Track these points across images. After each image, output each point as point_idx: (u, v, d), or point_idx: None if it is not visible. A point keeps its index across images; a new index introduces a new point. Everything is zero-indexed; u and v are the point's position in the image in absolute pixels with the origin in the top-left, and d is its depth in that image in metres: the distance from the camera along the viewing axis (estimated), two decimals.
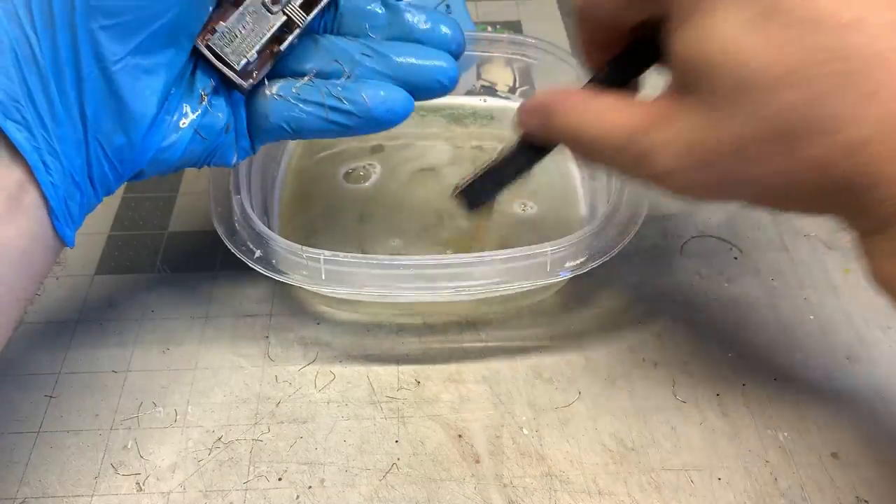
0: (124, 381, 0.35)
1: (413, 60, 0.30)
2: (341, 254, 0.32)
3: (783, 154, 0.23)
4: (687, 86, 0.24)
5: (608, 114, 0.27)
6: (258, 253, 0.33)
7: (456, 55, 0.31)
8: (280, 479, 0.31)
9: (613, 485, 0.31)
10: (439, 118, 0.47)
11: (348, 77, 0.30)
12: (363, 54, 0.30)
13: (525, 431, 0.33)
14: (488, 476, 0.31)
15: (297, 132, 0.30)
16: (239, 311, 0.38)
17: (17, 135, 0.24)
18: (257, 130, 0.31)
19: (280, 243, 0.33)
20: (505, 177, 0.31)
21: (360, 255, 0.32)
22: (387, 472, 0.32)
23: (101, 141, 0.26)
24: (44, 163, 0.25)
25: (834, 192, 0.23)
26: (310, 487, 0.31)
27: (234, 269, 0.40)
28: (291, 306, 0.38)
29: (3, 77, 0.23)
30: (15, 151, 0.24)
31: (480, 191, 0.32)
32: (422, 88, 0.30)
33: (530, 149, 0.30)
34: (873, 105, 0.21)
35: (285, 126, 0.30)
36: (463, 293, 0.33)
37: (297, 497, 0.31)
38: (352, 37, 0.31)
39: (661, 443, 0.33)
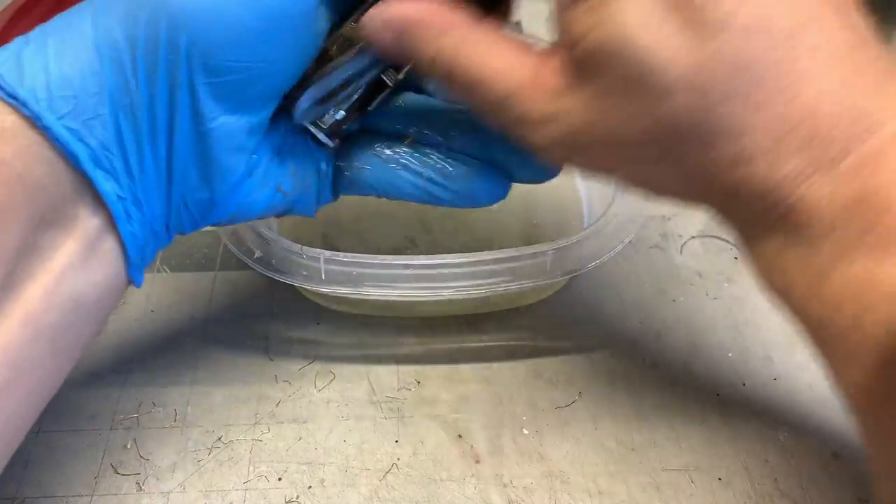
0: (124, 381, 0.35)
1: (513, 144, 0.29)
2: (341, 254, 0.32)
3: (668, 158, 0.22)
4: (581, 66, 0.23)
5: (496, 58, 0.24)
6: (258, 253, 0.33)
7: None
8: (280, 479, 0.31)
9: (613, 485, 0.31)
10: None
11: (446, 146, 0.29)
12: (462, 125, 0.28)
13: (525, 431, 0.33)
14: (488, 476, 0.31)
15: (386, 193, 0.29)
16: (239, 310, 0.38)
17: (105, 184, 0.23)
18: (347, 185, 0.30)
19: (280, 243, 0.33)
20: (344, 93, 0.27)
21: (360, 255, 0.32)
22: (387, 472, 0.32)
23: (185, 194, 0.25)
24: (127, 213, 0.24)
25: (717, 197, 0.23)
26: (310, 487, 0.31)
27: (234, 269, 0.40)
28: (291, 306, 0.38)
29: (98, 125, 0.23)
30: (98, 199, 0.24)
31: (315, 107, 0.27)
32: (519, 172, 0.29)
33: (373, 61, 0.26)
34: (762, 116, 0.21)
35: (377, 186, 0.29)
36: (463, 293, 0.33)
37: (297, 497, 0.31)
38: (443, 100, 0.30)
39: (661, 443, 0.33)
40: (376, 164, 0.29)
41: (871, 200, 0.20)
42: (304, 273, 0.33)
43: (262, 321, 0.37)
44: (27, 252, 0.23)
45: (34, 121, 0.22)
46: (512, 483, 0.31)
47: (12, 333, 0.23)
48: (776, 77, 0.21)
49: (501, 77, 0.24)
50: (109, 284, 0.25)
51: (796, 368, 0.35)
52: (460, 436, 0.33)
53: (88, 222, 0.24)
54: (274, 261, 0.33)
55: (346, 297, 0.36)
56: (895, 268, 0.20)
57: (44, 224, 0.23)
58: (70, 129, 0.22)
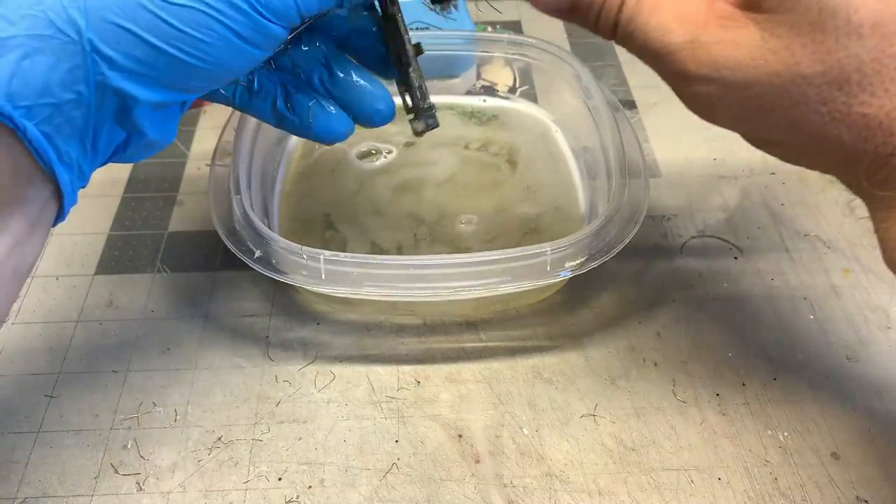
0: (124, 381, 0.35)
1: (361, 87, 0.30)
2: (341, 254, 0.32)
3: (838, 102, 0.22)
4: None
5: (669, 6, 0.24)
6: (258, 253, 0.33)
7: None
8: (280, 479, 0.31)
9: (613, 485, 0.31)
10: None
11: (309, 84, 0.31)
12: (322, 69, 0.30)
13: (525, 431, 0.33)
14: (488, 476, 0.31)
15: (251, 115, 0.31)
16: (239, 311, 0.38)
17: (65, 175, 0.24)
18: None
19: (280, 243, 0.33)
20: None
21: (360, 255, 0.32)
22: (387, 472, 0.32)
23: (115, 158, 0.26)
24: (72, 189, 0.25)
25: (869, 155, 0.23)
26: (310, 487, 0.31)
27: (234, 269, 0.40)
28: (291, 306, 0.38)
29: (66, 125, 0.23)
30: (46, 178, 0.24)
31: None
32: (361, 117, 0.31)
33: None
34: None
35: (238, 107, 0.31)
36: (463, 293, 0.33)
37: (297, 497, 0.31)
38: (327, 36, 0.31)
39: (661, 443, 0.33)
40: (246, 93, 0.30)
41: None
42: (304, 273, 0.33)
43: (262, 321, 0.37)
44: None
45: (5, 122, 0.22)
46: (512, 483, 0.31)
47: None
48: None
49: (675, 21, 0.24)
50: (41, 247, 0.26)
51: (796, 368, 0.35)
52: (460, 436, 0.33)
53: (34, 202, 0.24)
54: (274, 261, 0.33)
55: (346, 297, 0.36)
56: None
57: None
58: (44, 133, 0.23)
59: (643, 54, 0.25)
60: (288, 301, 0.38)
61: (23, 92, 0.22)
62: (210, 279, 0.39)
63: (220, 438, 0.33)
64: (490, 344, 0.37)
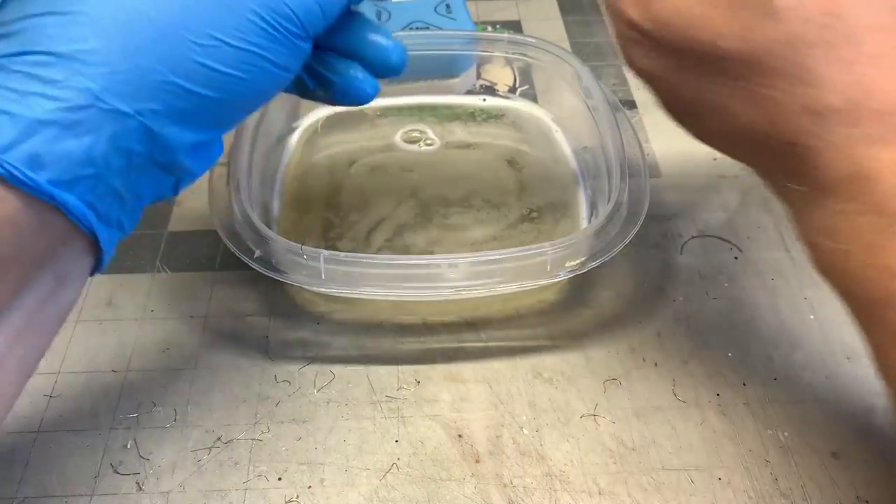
0: (124, 381, 0.35)
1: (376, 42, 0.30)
2: (341, 253, 0.32)
3: (749, 80, 0.22)
4: None
5: None
6: (258, 253, 0.33)
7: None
8: (280, 479, 0.31)
9: (613, 485, 0.31)
10: (436, 117, 0.47)
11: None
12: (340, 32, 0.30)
13: (525, 431, 0.33)
14: (488, 476, 0.31)
15: None
16: (239, 311, 0.38)
17: (104, 233, 0.24)
18: None
19: (280, 243, 0.33)
20: None
21: (360, 255, 0.32)
22: (387, 472, 0.32)
23: (160, 200, 0.27)
24: (111, 244, 0.25)
25: (778, 143, 0.23)
26: (309, 487, 0.31)
27: (234, 269, 0.40)
28: (291, 306, 0.38)
29: (107, 193, 0.23)
30: (83, 236, 0.24)
31: None
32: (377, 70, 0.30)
33: None
34: (846, 73, 0.21)
35: None
36: (463, 293, 0.33)
37: (297, 497, 0.31)
38: None
39: (661, 443, 0.33)
40: None
41: None
42: (304, 273, 0.33)
43: (262, 321, 0.37)
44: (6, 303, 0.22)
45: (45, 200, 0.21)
46: (512, 483, 0.31)
47: None
48: (867, 41, 0.21)
49: None
50: (76, 295, 0.25)
51: (796, 368, 0.35)
52: (460, 436, 0.33)
53: (67, 258, 0.24)
54: (274, 261, 0.33)
55: (346, 297, 0.36)
56: None
57: (28, 270, 0.23)
58: (86, 202, 0.22)
59: None
60: (288, 301, 0.38)
61: (63, 166, 0.21)
62: (210, 279, 0.39)
63: (219, 438, 0.33)
64: (490, 344, 0.37)
